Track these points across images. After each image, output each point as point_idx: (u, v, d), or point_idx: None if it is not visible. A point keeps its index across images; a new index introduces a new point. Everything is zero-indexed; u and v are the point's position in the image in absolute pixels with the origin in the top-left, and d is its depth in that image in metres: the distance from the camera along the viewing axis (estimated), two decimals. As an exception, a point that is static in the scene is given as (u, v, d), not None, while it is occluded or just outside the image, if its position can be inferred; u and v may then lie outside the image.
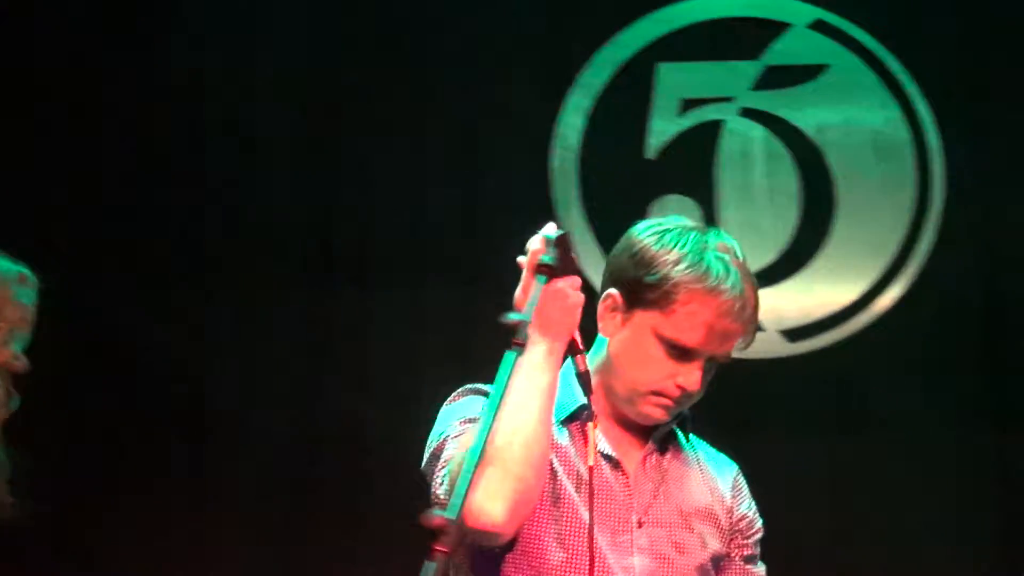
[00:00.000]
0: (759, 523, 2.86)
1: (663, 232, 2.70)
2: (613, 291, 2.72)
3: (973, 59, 4.85)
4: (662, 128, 4.86)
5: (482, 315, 2.93)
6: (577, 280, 2.58)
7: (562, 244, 2.48)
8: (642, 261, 2.68)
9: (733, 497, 2.83)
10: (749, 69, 4.92)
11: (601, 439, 2.71)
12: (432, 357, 4.61)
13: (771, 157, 4.90)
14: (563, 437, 2.71)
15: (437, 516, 2.04)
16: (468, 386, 2.75)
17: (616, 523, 2.67)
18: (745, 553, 2.81)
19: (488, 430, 2.21)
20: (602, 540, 2.63)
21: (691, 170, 4.88)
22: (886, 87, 4.90)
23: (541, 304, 2.51)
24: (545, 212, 4.69)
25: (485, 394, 2.70)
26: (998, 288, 4.78)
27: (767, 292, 4.82)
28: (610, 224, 4.81)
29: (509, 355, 2.30)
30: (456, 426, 2.66)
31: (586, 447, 2.59)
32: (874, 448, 4.73)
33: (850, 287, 4.87)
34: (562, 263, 2.47)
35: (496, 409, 2.25)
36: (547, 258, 2.44)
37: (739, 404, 4.55)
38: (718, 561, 2.78)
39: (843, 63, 4.91)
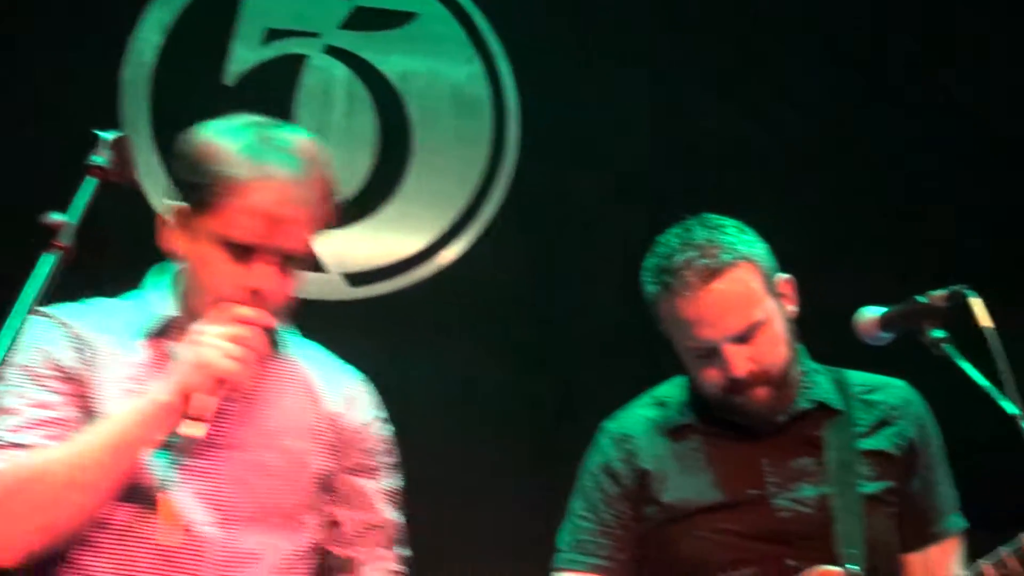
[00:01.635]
0: (379, 435, 2.76)
1: (214, 129, 2.56)
2: (171, 202, 2.57)
3: (558, 24, 4.92)
4: (244, 56, 4.72)
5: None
6: (240, 332, 2.41)
7: (119, 147, 2.32)
8: (191, 163, 2.54)
9: (345, 409, 2.70)
10: (339, 7, 4.84)
11: None
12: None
13: (352, 99, 4.84)
14: (139, 354, 2.55)
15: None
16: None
17: (193, 446, 2.51)
18: (350, 464, 2.69)
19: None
20: (175, 463, 2.48)
21: (270, 102, 4.69)
22: (471, 43, 4.91)
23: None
24: (112, 127, 4.46)
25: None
26: (555, 253, 4.88)
27: (334, 234, 4.80)
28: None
29: (46, 257, 2.13)
30: (18, 384, 2.47)
31: (164, 369, 2.45)
32: (424, 396, 4.76)
33: (416, 237, 4.87)
34: (117, 168, 2.31)
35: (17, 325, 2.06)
36: (100, 159, 2.27)
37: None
38: (329, 479, 2.66)
39: (432, 13, 4.90)
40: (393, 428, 4.69)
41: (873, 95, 4.97)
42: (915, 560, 2.99)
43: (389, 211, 4.86)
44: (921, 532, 2.99)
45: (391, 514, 2.76)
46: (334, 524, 2.69)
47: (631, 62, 4.92)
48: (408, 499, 4.71)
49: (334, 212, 2.59)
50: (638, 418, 3.10)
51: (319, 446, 2.66)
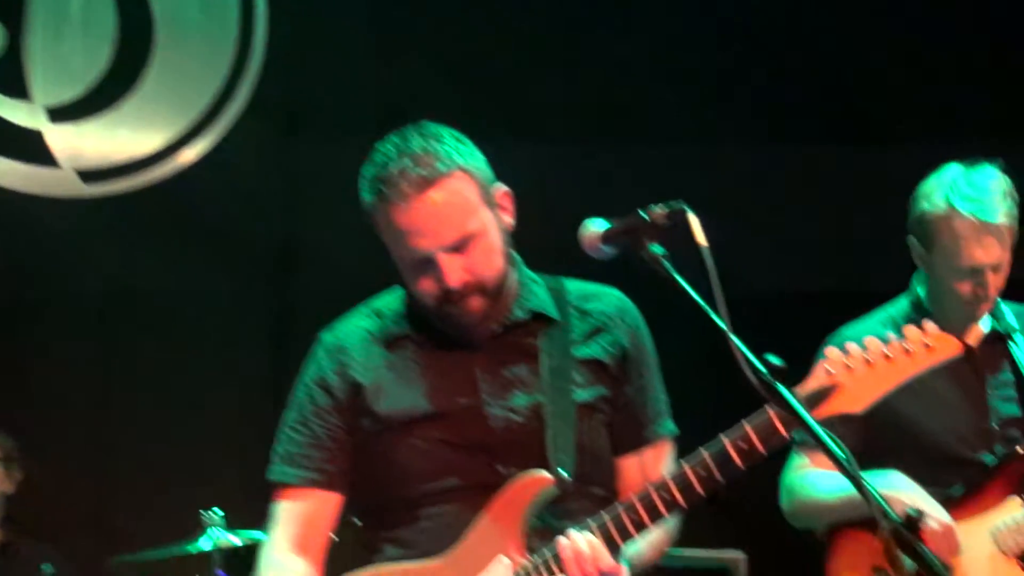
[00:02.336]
0: None
1: None
2: None
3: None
4: (-33, -59, 4.53)
5: None
6: None
7: None
8: None
9: None
10: None
11: None
12: None
13: (91, -9, 4.70)
14: None
15: None
16: None
17: None
18: None
19: None
20: None
21: (1, -9, 4.59)
22: (220, -62, 4.82)
23: None
24: None
25: None
26: (299, 158, 4.84)
27: (68, 129, 4.67)
28: None
29: None
30: None
31: None
32: (156, 300, 4.69)
33: (155, 136, 4.77)
34: None
35: None
36: None
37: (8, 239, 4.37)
38: None
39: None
40: (119, 331, 4.62)
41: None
42: (628, 463, 3.05)
43: (127, 107, 4.75)
44: (634, 436, 3.05)
45: None
46: None
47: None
48: (131, 407, 4.67)
49: None
50: (354, 328, 3.09)
51: None
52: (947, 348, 2.82)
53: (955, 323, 3.76)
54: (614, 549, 2.82)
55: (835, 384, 2.79)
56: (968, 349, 3.77)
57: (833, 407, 2.79)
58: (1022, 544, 3.63)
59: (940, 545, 3.55)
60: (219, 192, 4.75)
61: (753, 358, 2.53)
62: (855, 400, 2.80)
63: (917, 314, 3.78)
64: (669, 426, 3.10)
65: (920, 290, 3.83)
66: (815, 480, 3.67)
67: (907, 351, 2.80)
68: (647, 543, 2.93)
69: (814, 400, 2.77)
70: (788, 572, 3.61)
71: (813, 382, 2.80)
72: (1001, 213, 3.67)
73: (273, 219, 4.77)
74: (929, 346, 2.80)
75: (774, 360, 2.54)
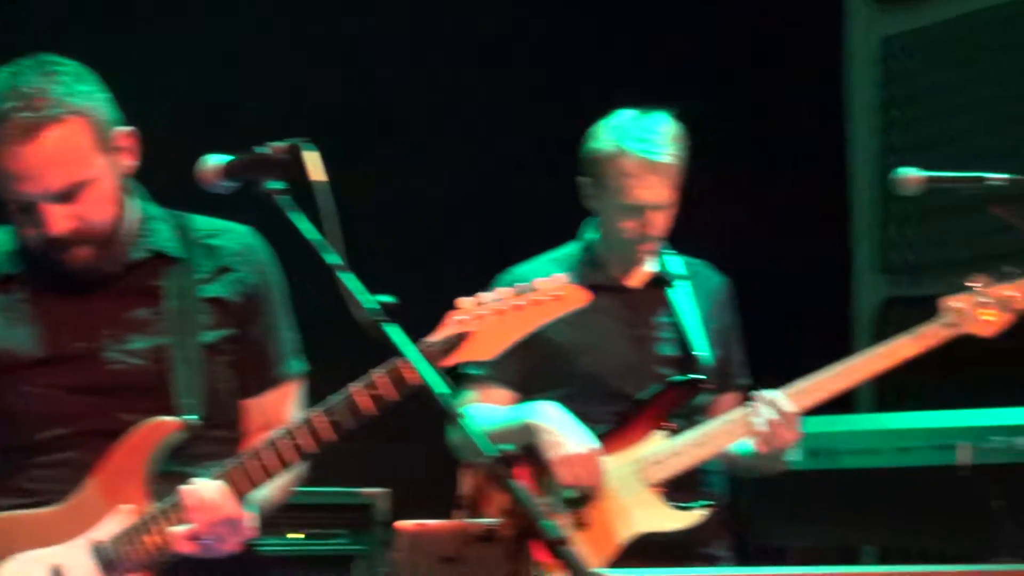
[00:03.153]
0: None
1: None
2: None
3: None
4: None
5: None
6: None
7: None
8: None
9: None
10: None
11: None
12: None
13: None
14: None
15: None
16: None
17: None
18: None
19: None
20: None
21: None
22: None
23: None
24: None
25: None
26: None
27: None
28: None
29: None
30: None
31: None
32: None
33: None
34: None
35: None
36: None
37: None
38: None
39: None
40: None
41: None
42: (255, 405, 3.00)
43: None
44: (260, 377, 3.00)
45: None
46: None
47: None
48: None
49: None
50: None
51: None
52: (576, 298, 2.87)
53: (622, 263, 3.88)
54: (240, 495, 2.77)
55: (465, 332, 2.80)
56: (631, 290, 3.90)
57: (464, 354, 2.80)
58: (660, 475, 3.74)
59: (579, 470, 3.64)
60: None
61: (364, 298, 2.50)
62: (485, 347, 2.82)
63: (586, 255, 3.87)
64: (297, 366, 3.06)
65: (590, 233, 3.90)
66: (477, 414, 3.71)
67: (537, 301, 2.84)
68: (275, 486, 2.88)
69: (443, 347, 2.77)
70: (432, 508, 3.61)
71: (445, 330, 2.80)
72: (667, 153, 3.76)
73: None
74: (558, 296, 2.84)
75: (388, 299, 2.52)
